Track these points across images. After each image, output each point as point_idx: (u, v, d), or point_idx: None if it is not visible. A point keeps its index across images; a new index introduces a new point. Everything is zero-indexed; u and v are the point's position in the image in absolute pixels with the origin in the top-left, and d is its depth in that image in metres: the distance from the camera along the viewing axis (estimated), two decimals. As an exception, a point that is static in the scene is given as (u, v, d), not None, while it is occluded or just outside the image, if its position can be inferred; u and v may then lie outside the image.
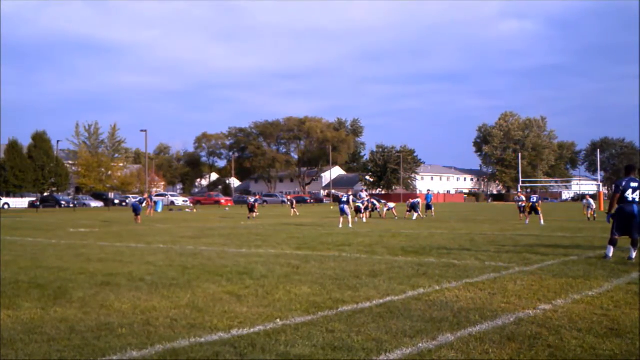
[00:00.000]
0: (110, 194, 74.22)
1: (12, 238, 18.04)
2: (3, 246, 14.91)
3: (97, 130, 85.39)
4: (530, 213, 25.53)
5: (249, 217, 33.59)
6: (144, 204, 35.73)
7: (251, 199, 38.09)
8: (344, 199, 23.51)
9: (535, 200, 25.70)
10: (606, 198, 55.44)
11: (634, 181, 10.78)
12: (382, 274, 9.11)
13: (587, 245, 14.16)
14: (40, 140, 70.51)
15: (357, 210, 27.87)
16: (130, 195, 76.95)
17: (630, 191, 10.69)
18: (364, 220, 27.86)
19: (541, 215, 25.19)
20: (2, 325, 5.81)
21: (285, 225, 25.21)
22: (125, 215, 37.04)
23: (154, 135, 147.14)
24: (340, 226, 22.59)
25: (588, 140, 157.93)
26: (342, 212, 23.19)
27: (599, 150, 71.89)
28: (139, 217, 29.51)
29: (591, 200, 30.32)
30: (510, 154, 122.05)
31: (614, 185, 11.50)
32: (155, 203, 46.47)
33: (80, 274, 9.37)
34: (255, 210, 35.28)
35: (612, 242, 10.99)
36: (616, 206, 10.95)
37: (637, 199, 10.69)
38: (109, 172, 77.17)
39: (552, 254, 12.11)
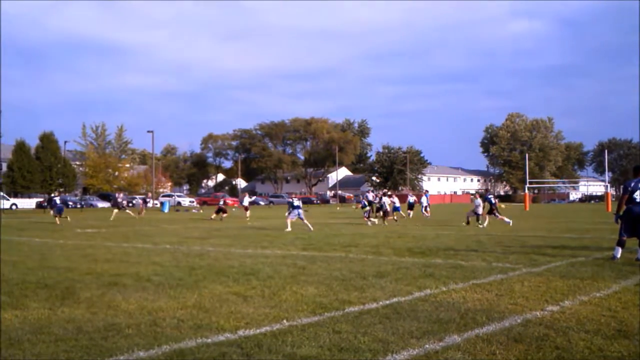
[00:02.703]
0: (117, 194, 74.46)
1: (20, 238, 18.13)
2: (11, 247, 14.99)
3: (104, 131, 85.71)
4: (490, 214, 24.92)
5: (220, 218, 31.80)
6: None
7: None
8: (296, 203, 22.72)
9: (491, 200, 25.07)
10: (614, 199, 55.19)
11: None
12: (389, 275, 9.10)
13: (594, 246, 14.10)
14: (47, 141, 70.77)
15: (386, 214, 27.71)
16: (138, 196, 77.19)
17: (638, 192, 10.63)
18: (395, 219, 28.44)
19: (501, 216, 24.57)
20: (10, 325, 5.83)
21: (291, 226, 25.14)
22: (132, 216, 37.13)
23: (161, 136, 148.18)
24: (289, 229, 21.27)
25: (596, 141, 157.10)
26: (297, 215, 22.12)
27: (606, 151, 71.49)
28: (59, 217, 28.91)
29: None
30: (517, 155, 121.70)
31: (622, 187, 11.45)
32: (162, 204, 46.57)
33: (87, 275, 9.40)
34: (227, 212, 33.76)
35: (620, 243, 10.92)
36: (624, 207, 10.90)
37: None
38: (116, 173, 77.43)
39: (560, 255, 12.06)
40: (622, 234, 10.89)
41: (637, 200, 10.64)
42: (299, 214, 22.21)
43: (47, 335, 5.41)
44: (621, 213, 10.93)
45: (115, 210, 35.81)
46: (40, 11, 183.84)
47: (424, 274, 9.26)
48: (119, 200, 38.24)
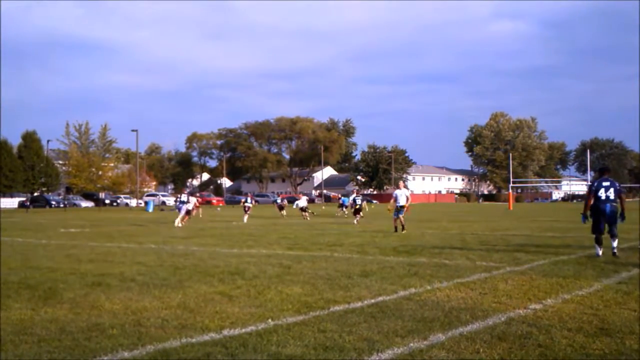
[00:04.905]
0: (100, 194, 73.89)
1: (2, 238, 17.90)
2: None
3: (87, 130, 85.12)
4: (356, 213, 26.46)
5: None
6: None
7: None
8: (183, 199, 25.50)
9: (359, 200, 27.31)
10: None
11: (606, 180, 11.57)
12: (374, 274, 9.13)
13: (576, 244, 14.23)
14: (30, 139, 70.07)
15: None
16: (122, 196, 76.65)
17: (602, 190, 11.44)
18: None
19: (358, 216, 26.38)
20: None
21: (276, 225, 25.18)
22: (116, 216, 36.87)
23: (145, 135, 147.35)
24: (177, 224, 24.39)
25: (578, 141, 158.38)
26: (183, 211, 25.19)
27: (588, 151, 72.25)
28: None
29: (346, 199, 28.39)
30: (500, 155, 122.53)
31: (587, 187, 12.11)
32: (147, 203, 46.11)
33: (70, 275, 9.32)
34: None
35: (597, 241, 11.48)
36: (591, 206, 11.61)
37: (610, 197, 11.40)
38: (100, 172, 76.78)
39: (543, 253, 12.17)
40: (594, 232, 11.51)
41: (602, 198, 11.40)
42: (180, 208, 25.09)
43: (29, 336, 5.36)
44: (588, 213, 11.60)
45: None
46: (23, 9, 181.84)
47: (409, 272, 9.31)
48: None
